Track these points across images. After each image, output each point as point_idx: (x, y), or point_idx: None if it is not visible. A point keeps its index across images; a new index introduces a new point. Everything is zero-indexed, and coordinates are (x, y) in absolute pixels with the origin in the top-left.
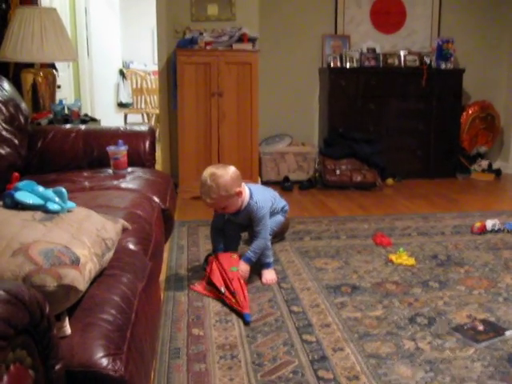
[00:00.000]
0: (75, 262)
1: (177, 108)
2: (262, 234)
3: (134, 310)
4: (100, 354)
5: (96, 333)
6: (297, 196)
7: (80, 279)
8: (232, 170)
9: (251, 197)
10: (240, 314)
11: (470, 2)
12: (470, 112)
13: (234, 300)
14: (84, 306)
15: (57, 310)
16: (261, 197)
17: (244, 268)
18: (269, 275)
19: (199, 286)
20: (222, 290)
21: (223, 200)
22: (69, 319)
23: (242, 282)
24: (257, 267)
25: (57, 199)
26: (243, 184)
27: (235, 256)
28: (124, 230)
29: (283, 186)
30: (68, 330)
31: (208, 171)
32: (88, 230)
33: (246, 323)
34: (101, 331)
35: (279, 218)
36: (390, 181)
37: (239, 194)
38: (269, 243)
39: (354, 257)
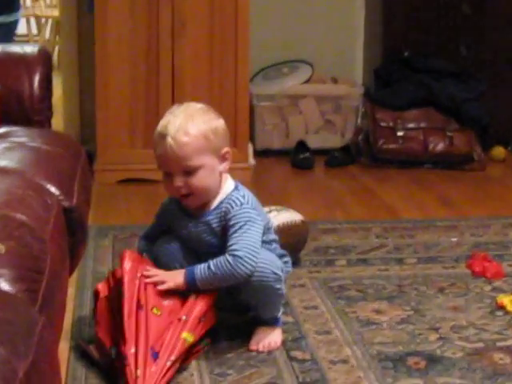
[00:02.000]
0: None
1: (93, 9)
2: (237, 251)
3: None
4: None
5: None
6: (322, 179)
7: None
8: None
9: (236, 188)
10: None
11: None
12: None
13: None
14: None
15: None
16: (252, 198)
17: (178, 281)
18: (272, 336)
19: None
20: (113, 353)
21: (201, 152)
22: None
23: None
24: (244, 325)
25: None
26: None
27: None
28: None
29: (295, 159)
30: None
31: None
32: None
33: None
34: None
35: (279, 262)
36: (499, 151)
37: (225, 157)
38: (283, 287)
39: (431, 299)
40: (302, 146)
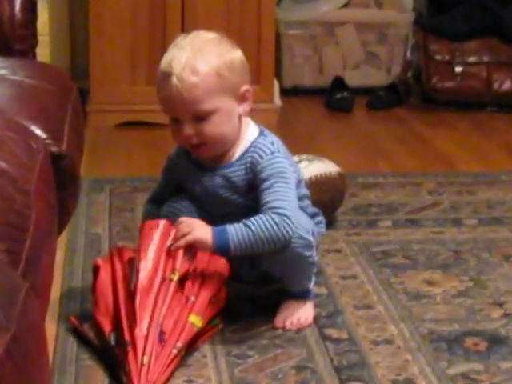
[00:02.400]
0: None
1: None
2: (283, 210)
3: None
4: None
5: None
6: (362, 123)
7: None
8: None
9: (262, 134)
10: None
11: None
12: None
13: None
14: None
15: None
16: (282, 146)
17: (206, 237)
18: (301, 312)
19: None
20: (112, 339)
21: (214, 93)
22: None
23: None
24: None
25: None
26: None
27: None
28: None
29: (331, 99)
30: None
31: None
32: None
33: None
34: None
35: (310, 224)
36: None
37: (245, 97)
38: (314, 254)
39: (494, 268)
40: (338, 83)
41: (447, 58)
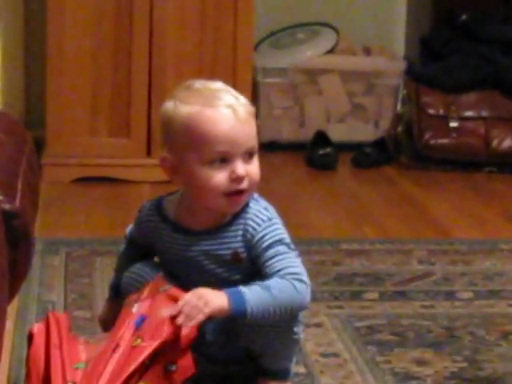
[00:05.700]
0: None
1: None
2: (301, 276)
3: None
4: None
5: None
6: (347, 183)
7: None
8: None
9: (253, 198)
10: None
11: None
12: None
13: None
14: None
15: None
16: (274, 212)
17: (218, 304)
18: None
19: None
20: None
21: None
22: None
23: None
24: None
25: None
26: None
27: (166, 288)
28: None
29: (312, 155)
30: None
31: None
32: None
33: None
34: None
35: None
36: None
37: None
38: (300, 330)
39: (491, 347)
40: (321, 138)
41: (442, 111)
